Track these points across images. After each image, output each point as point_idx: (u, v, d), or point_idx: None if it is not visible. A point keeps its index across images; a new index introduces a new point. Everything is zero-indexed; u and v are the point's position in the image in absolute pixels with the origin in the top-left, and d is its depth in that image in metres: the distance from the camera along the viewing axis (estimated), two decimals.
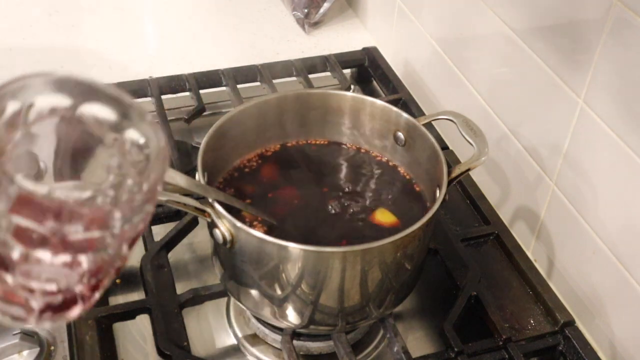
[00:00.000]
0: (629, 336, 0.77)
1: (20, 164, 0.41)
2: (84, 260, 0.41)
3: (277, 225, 0.73)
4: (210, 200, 0.67)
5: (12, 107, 0.40)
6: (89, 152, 0.44)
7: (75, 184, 0.44)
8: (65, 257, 0.40)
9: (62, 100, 0.41)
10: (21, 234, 0.38)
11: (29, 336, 0.74)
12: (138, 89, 1.06)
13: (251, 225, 0.70)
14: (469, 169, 0.73)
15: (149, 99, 1.06)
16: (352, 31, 1.34)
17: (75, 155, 0.44)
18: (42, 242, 0.39)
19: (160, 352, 0.72)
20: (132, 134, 0.43)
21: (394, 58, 1.19)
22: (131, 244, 0.44)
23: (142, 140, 0.43)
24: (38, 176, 0.42)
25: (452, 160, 0.98)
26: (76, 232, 0.39)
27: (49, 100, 0.41)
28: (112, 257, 0.42)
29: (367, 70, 1.17)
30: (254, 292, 0.71)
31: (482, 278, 0.82)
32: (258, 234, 0.64)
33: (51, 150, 0.43)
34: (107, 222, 0.41)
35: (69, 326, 0.75)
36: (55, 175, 0.43)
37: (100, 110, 0.42)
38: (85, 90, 0.42)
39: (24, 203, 0.38)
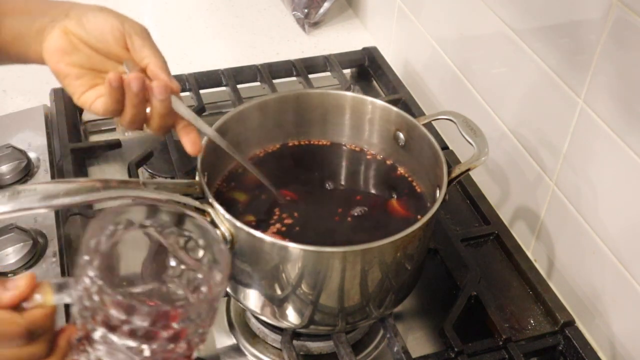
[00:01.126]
0: (629, 336, 0.77)
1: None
2: (182, 343, 0.52)
3: (276, 193, 0.74)
4: (210, 200, 0.67)
5: (109, 229, 0.54)
6: (154, 253, 0.57)
7: (148, 280, 0.57)
8: (170, 345, 0.52)
9: (137, 216, 0.56)
10: (134, 335, 0.50)
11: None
12: None
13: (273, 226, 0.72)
14: (469, 169, 0.73)
15: None
16: (352, 31, 1.34)
17: (143, 257, 0.57)
18: (151, 338, 0.51)
19: None
20: (192, 236, 0.57)
21: (394, 58, 1.19)
22: (211, 322, 0.55)
23: (201, 240, 0.57)
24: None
25: (452, 160, 0.98)
26: (175, 325, 0.51)
27: (127, 216, 0.56)
28: (201, 335, 0.54)
29: (367, 70, 1.17)
30: (254, 292, 0.71)
31: (482, 278, 0.82)
32: (258, 234, 0.64)
33: (124, 259, 0.56)
34: (197, 312, 0.52)
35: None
36: (129, 278, 0.56)
37: (159, 221, 0.56)
38: (150, 209, 0.57)
39: (134, 312, 0.50)
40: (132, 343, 0.51)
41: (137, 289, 0.56)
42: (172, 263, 0.57)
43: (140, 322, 0.50)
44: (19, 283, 0.52)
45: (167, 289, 0.56)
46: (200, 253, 0.57)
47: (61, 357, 0.54)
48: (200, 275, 0.56)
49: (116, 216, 0.55)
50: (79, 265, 0.51)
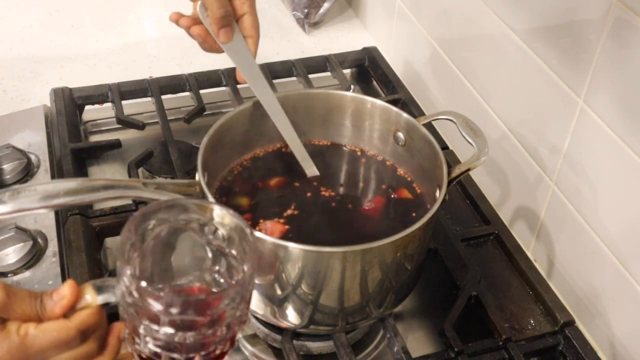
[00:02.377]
0: (629, 336, 0.77)
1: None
2: (222, 327, 0.55)
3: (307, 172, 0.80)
4: (210, 200, 0.67)
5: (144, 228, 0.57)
6: (190, 245, 0.59)
7: (189, 272, 0.59)
8: (210, 331, 0.54)
9: (169, 213, 0.58)
10: (175, 324, 0.53)
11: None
12: (138, 89, 1.06)
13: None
14: (469, 169, 0.73)
15: (149, 99, 1.06)
16: (352, 31, 1.34)
17: (181, 251, 0.59)
18: (191, 326, 0.54)
19: None
20: (221, 227, 0.59)
21: (394, 58, 1.19)
22: (249, 303, 0.57)
23: (228, 227, 0.59)
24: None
25: (452, 160, 0.98)
26: (212, 312, 0.54)
27: (160, 215, 0.58)
28: (240, 317, 0.56)
29: (367, 70, 1.17)
30: (254, 292, 0.70)
31: (482, 278, 0.82)
32: (258, 234, 0.64)
33: (164, 254, 0.58)
34: (231, 297, 0.54)
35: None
36: (171, 271, 0.59)
37: (196, 217, 0.59)
38: (179, 205, 0.59)
39: (172, 304, 0.52)
40: (173, 331, 0.53)
41: (180, 281, 0.58)
42: (209, 254, 0.59)
43: (178, 311, 0.52)
44: (64, 292, 0.55)
45: (207, 278, 0.58)
46: (231, 241, 0.59)
47: (113, 353, 0.58)
48: (233, 262, 0.58)
49: (149, 216, 0.57)
50: (118, 267, 0.53)
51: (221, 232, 0.59)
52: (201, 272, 0.59)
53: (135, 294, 0.53)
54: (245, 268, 0.57)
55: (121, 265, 0.53)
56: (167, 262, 0.59)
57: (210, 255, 0.59)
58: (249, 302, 0.57)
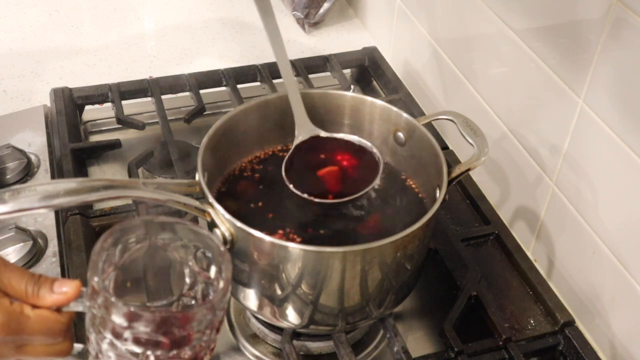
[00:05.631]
0: (629, 336, 0.77)
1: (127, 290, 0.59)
2: (187, 350, 0.54)
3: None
4: (210, 200, 0.67)
5: (122, 243, 0.58)
6: (169, 267, 0.60)
7: (166, 295, 0.59)
8: (173, 352, 0.54)
9: (147, 232, 0.59)
10: (139, 341, 0.53)
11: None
12: (138, 89, 1.06)
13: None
14: (469, 169, 0.73)
15: (149, 99, 1.06)
16: (352, 31, 1.34)
17: (160, 272, 0.60)
18: (155, 345, 0.53)
19: None
20: (200, 247, 0.59)
21: (394, 58, 1.19)
22: (218, 330, 0.57)
23: (207, 251, 0.59)
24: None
25: (452, 160, 0.98)
26: (177, 332, 0.53)
27: (135, 235, 0.59)
28: (207, 342, 0.56)
29: (367, 70, 1.17)
30: (254, 292, 0.71)
31: (482, 278, 0.82)
32: (258, 234, 0.64)
33: (142, 273, 0.59)
34: (198, 318, 0.54)
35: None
36: (148, 292, 0.60)
37: (170, 236, 0.59)
38: (157, 225, 0.59)
39: (136, 319, 0.52)
40: (136, 349, 0.53)
41: (154, 304, 0.58)
42: (187, 279, 0.59)
43: (142, 328, 0.52)
44: (68, 290, 0.55)
45: (182, 303, 0.59)
46: (208, 261, 0.59)
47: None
48: (210, 289, 0.58)
49: (129, 231, 0.57)
50: (88, 275, 0.53)
51: (201, 255, 0.59)
52: (178, 296, 0.59)
53: (101, 305, 0.52)
54: (218, 291, 0.56)
55: (90, 273, 0.53)
56: (143, 281, 0.59)
57: (188, 280, 0.59)
58: (218, 329, 0.57)
